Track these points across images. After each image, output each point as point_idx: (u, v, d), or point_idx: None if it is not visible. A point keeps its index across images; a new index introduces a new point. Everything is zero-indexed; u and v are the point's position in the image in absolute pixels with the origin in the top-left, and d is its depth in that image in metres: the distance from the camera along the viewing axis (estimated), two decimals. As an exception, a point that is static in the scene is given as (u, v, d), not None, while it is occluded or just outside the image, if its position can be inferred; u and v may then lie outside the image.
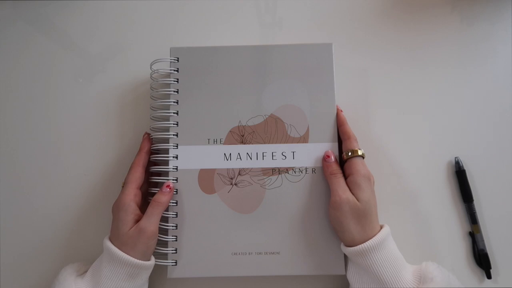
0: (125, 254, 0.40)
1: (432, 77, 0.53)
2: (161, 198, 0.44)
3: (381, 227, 0.42)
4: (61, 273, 0.42)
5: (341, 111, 0.47)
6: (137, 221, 0.42)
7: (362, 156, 0.44)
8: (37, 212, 0.50)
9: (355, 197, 0.41)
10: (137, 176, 0.44)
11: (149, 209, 0.43)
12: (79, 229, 0.49)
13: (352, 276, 0.43)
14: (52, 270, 0.48)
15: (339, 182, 0.43)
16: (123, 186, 0.44)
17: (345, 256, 0.44)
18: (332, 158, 0.45)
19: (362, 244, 0.40)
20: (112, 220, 0.43)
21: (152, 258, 0.44)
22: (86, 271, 0.43)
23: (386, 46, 0.54)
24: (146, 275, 0.43)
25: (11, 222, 0.50)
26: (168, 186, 0.44)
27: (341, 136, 0.46)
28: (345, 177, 0.44)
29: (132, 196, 0.43)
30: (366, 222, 0.41)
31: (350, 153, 0.44)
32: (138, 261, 0.41)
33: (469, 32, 0.54)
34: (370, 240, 0.40)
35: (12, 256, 0.49)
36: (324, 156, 0.45)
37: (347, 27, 0.55)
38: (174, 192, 0.45)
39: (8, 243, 0.49)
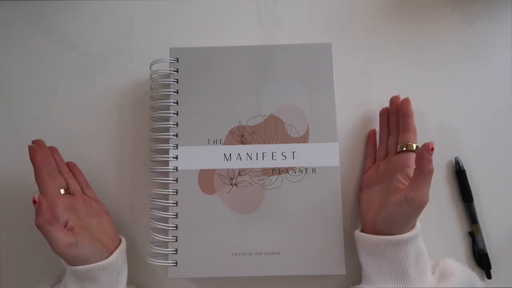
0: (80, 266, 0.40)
1: (432, 77, 0.53)
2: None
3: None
4: None
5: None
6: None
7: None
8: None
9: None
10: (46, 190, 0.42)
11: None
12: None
13: (369, 266, 0.42)
14: (52, 270, 0.48)
15: (429, 183, 0.39)
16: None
17: (345, 256, 0.44)
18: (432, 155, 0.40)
19: (406, 233, 0.40)
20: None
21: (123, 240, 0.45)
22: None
23: (385, 46, 0.54)
24: (109, 274, 0.42)
25: (11, 222, 0.50)
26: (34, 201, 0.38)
27: (403, 127, 0.45)
28: (401, 168, 0.43)
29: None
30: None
31: (408, 147, 0.44)
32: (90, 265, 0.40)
33: (469, 32, 0.54)
34: (410, 231, 0.40)
35: (12, 256, 0.49)
36: (429, 148, 0.37)
37: (346, 27, 0.55)
38: (174, 193, 0.45)
39: (8, 243, 0.49)
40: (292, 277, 0.47)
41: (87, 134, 0.52)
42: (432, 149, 0.37)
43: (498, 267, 0.47)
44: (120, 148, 0.51)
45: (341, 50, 0.49)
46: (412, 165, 0.42)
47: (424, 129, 0.51)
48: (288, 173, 0.46)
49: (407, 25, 0.54)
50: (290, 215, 0.45)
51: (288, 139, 0.47)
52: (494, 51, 0.53)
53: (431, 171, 0.38)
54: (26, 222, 0.50)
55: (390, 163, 0.45)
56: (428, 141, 0.37)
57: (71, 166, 0.48)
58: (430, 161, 0.37)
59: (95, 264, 0.40)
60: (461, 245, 0.48)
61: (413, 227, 0.41)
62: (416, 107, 0.52)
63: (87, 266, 0.39)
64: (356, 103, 0.52)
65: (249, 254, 0.45)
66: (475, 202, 0.49)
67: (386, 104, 0.49)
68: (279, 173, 0.46)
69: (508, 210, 0.49)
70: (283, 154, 0.46)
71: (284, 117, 0.47)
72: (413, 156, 0.43)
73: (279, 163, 0.46)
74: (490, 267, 0.47)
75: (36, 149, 0.43)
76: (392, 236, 0.40)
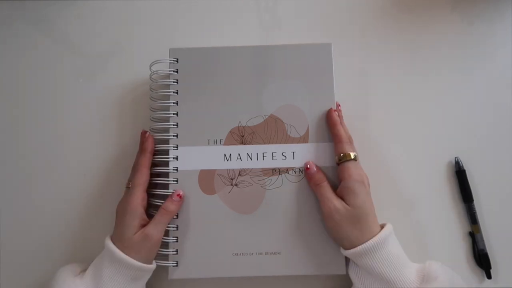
0: (129, 257, 0.40)
1: (432, 77, 0.53)
2: (170, 206, 0.43)
3: (382, 226, 0.42)
4: (58, 274, 0.42)
5: (335, 110, 0.46)
6: (143, 225, 0.42)
7: (355, 159, 0.43)
8: (36, 212, 0.50)
9: (348, 203, 0.41)
10: (145, 179, 0.44)
11: (157, 217, 0.43)
12: (79, 229, 0.49)
13: (355, 275, 0.43)
14: (52, 270, 0.47)
15: (325, 192, 0.42)
16: (127, 187, 0.44)
17: (346, 256, 0.44)
18: (314, 168, 0.44)
19: (360, 246, 0.40)
20: (116, 221, 0.43)
21: (153, 261, 0.44)
22: (83, 271, 0.43)
23: (385, 46, 0.54)
24: (147, 278, 0.43)
25: (11, 222, 0.50)
26: (178, 195, 0.44)
27: (332, 139, 0.45)
28: (339, 181, 0.43)
29: (140, 200, 0.43)
30: (363, 226, 0.41)
31: (342, 157, 0.43)
32: (142, 264, 0.41)
33: (469, 32, 0.54)
34: (368, 241, 0.40)
35: (12, 257, 0.49)
36: (304, 168, 0.45)
37: (346, 27, 0.55)
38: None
39: (8, 243, 0.49)
40: (292, 277, 0.47)
41: (87, 134, 0.52)
42: (308, 168, 0.44)
43: (498, 267, 0.48)
44: (120, 148, 0.51)
45: (341, 50, 0.49)
46: (347, 177, 0.42)
47: (424, 129, 0.51)
48: (288, 173, 0.46)
49: (407, 25, 0.54)
50: (290, 215, 0.45)
51: (288, 139, 0.47)
52: (494, 51, 0.53)
53: (316, 184, 0.44)
54: (26, 222, 0.50)
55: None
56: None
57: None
58: (311, 177, 0.44)
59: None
60: (461, 245, 0.48)
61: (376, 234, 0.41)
62: (416, 107, 0.52)
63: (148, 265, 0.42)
64: (356, 103, 0.52)
65: (250, 254, 0.45)
66: (475, 202, 0.49)
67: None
68: (279, 173, 0.46)
69: (508, 210, 0.49)
70: (283, 154, 0.46)
71: (284, 117, 0.47)
72: (347, 166, 0.43)
73: (279, 163, 0.46)
74: (490, 267, 0.47)
75: (152, 140, 0.46)
76: (352, 249, 0.41)
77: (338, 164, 0.44)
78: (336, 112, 0.46)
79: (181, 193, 0.44)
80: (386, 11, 0.55)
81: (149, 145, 0.46)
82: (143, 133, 0.47)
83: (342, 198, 0.42)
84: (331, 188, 0.43)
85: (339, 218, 0.41)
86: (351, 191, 0.41)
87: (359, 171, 0.43)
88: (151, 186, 0.47)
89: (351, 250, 0.40)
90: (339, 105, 0.47)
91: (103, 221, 0.49)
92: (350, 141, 0.45)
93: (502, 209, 0.49)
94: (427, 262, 0.41)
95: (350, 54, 0.53)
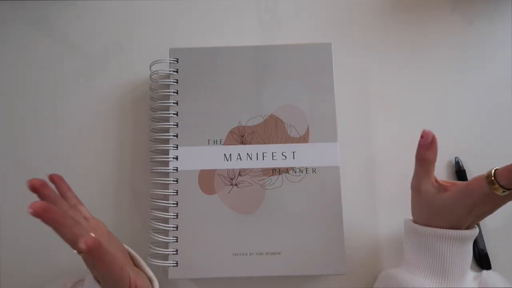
0: None
1: (432, 77, 0.53)
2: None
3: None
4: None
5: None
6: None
7: None
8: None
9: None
10: None
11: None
12: (80, 229, 0.49)
13: (412, 253, 0.40)
14: (52, 270, 0.48)
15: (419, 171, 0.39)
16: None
17: (345, 256, 0.44)
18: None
19: (469, 230, 0.37)
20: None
21: (155, 282, 0.40)
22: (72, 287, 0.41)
23: (385, 46, 0.54)
24: None
25: (11, 222, 0.50)
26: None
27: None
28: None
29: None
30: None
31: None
32: None
33: (469, 32, 0.54)
34: (472, 229, 0.38)
35: (12, 257, 0.49)
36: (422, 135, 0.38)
37: (346, 27, 0.55)
38: (174, 193, 0.45)
39: (8, 244, 0.49)
40: (292, 277, 0.47)
41: (87, 134, 0.52)
42: (422, 136, 0.38)
43: (498, 267, 0.47)
44: (120, 149, 0.51)
45: (341, 50, 0.49)
46: None
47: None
48: (288, 173, 0.46)
49: (407, 25, 0.54)
50: (290, 215, 0.45)
51: (288, 139, 0.47)
52: (494, 51, 0.53)
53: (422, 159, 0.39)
54: (26, 223, 0.50)
55: None
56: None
57: (57, 180, 0.41)
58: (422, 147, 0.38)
59: None
60: (461, 245, 0.48)
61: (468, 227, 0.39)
62: (416, 107, 0.52)
63: None
64: (356, 103, 0.52)
65: (250, 254, 0.45)
66: (475, 202, 0.49)
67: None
68: (279, 173, 0.46)
69: (508, 210, 0.49)
70: (283, 154, 0.46)
71: (284, 117, 0.47)
72: None
73: (279, 163, 0.46)
74: (490, 267, 0.47)
75: (48, 210, 0.33)
76: (456, 230, 0.37)
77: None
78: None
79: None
80: (386, 11, 0.55)
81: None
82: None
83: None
84: None
85: (478, 196, 0.36)
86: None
87: None
88: (151, 186, 0.47)
89: (455, 232, 0.37)
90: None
91: (103, 221, 0.49)
92: None
93: (502, 209, 0.49)
94: (484, 271, 0.40)
95: (350, 54, 0.53)
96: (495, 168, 0.36)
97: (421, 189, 0.39)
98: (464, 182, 0.39)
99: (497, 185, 0.35)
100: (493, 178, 0.35)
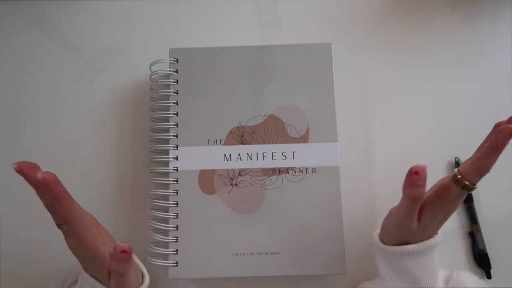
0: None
1: (432, 77, 0.53)
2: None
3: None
4: None
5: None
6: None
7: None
8: (35, 213, 0.50)
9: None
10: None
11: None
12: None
13: (386, 273, 0.40)
14: (52, 270, 0.48)
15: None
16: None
17: (345, 256, 0.44)
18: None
19: (432, 238, 0.37)
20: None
21: (146, 277, 0.41)
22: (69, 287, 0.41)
23: (385, 46, 0.54)
24: None
25: (11, 222, 0.50)
26: (123, 250, 0.33)
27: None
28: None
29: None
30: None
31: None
32: None
33: (469, 33, 0.54)
34: (434, 237, 0.38)
35: (12, 256, 0.49)
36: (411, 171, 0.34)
37: (346, 27, 0.55)
38: (174, 193, 0.45)
39: (7, 244, 0.49)
40: (292, 277, 0.47)
41: (87, 134, 0.52)
42: (416, 173, 0.33)
43: (498, 267, 0.48)
44: (119, 149, 0.51)
45: (341, 50, 0.49)
46: None
47: (424, 129, 0.51)
48: (288, 173, 0.46)
49: (407, 25, 0.54)
50: (290, 215, 0.45)
51: (288, 139, 0.47)
52: (494, 52, 0.53)
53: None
54: (26, 223, 0.50)
55: None
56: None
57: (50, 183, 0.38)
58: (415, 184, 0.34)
59: None
60: (461, 245, 0.48)
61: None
62: (416, 107, 0.52)
63: None
64: (356, 103, 0.52)
65: (250, 254, 0.45)
66: (475, 202, 0.49)
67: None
68: (279, 173, 0.46)
69: (508, 210, 0.49)
70: (283, 154, 0.46)
71: (284, 117, 0.47)
72: None
73: (279, 163, 0.46)
74: (490, 267, 0.47)
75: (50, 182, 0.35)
76: (419, 243, 0.38)
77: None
78: None
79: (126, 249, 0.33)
80: (387, 11, 0.55)
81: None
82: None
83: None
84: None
85: (451, 201, 0.36)
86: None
87: None
88: (151, 186, 0.47)
89: (418, 245, 0.37)
90: None
91: (102, 221, 0.49)
92: None
93: (502, 209, 0.49)
94: (454, 271, 0.41)
95: (350, 54, 0.53)
96: (456, 169, 0.36)
97: (405, 225, 0.37)
98: (430, 193, 0.37)
99: (467, 183, 0.35)
100: (459, 177, 0.35)
